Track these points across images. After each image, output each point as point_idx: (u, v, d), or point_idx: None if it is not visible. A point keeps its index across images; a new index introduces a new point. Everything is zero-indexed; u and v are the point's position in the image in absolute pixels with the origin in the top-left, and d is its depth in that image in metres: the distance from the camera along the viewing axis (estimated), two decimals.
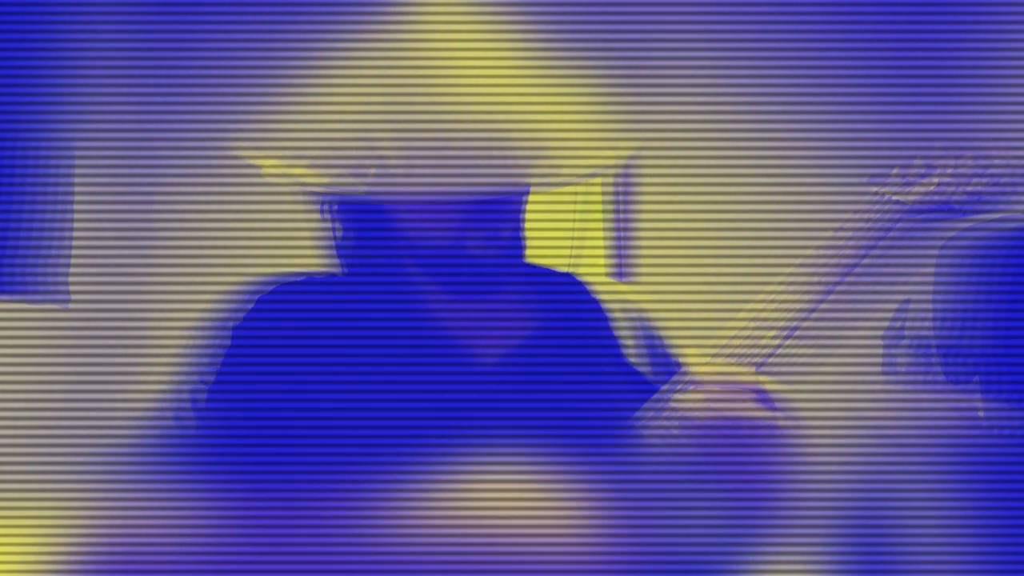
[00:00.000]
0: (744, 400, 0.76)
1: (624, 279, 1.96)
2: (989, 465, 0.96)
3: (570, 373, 0.86)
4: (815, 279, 0.82)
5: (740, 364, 0.80)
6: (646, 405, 0.81)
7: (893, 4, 1.90)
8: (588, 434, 0.81)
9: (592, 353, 0.90)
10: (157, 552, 0.75)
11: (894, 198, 0.85)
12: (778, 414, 0.76)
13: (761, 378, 0.78)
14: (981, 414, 1.04)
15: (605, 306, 0.95)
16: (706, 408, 0.76)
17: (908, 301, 1.13)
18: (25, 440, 1.24)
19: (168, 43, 1.83)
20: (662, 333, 0.96)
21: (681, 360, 0.93)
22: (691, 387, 0.79)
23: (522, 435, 0.77)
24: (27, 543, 0.79)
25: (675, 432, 0.78)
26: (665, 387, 0.81)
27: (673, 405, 0.79)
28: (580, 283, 0.96)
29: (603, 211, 2.01)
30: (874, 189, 0.86)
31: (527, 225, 0.90)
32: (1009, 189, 0.84)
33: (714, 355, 0.81)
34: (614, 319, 0.94)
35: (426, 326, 0.87)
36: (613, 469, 0.78)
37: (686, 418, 0.77)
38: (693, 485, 0.77)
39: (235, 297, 0.87)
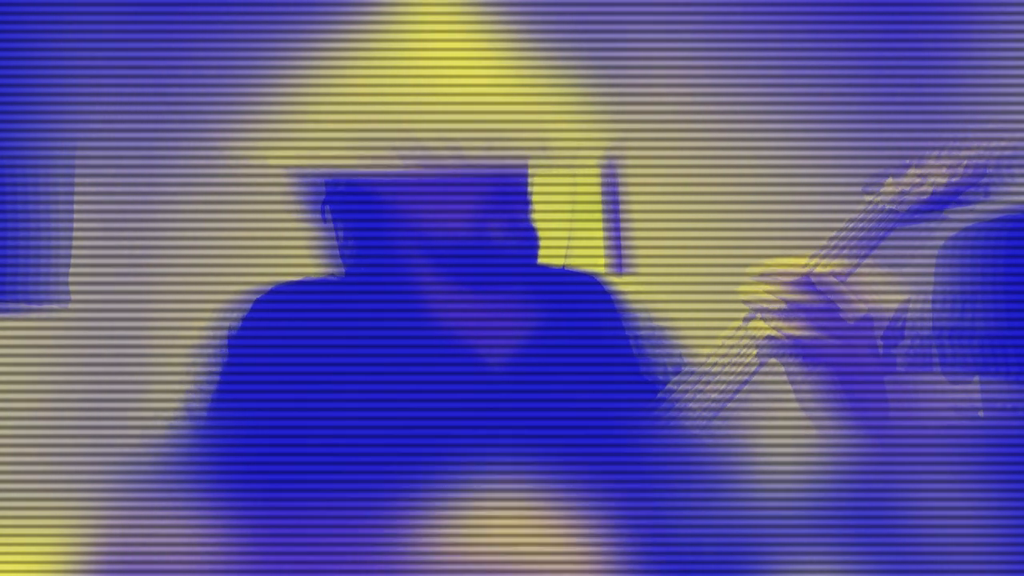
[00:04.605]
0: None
1: (621, 273, 1.96)
2: (993, 461, 0.96)
3: (582, 371, 0.86)
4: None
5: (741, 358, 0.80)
6: (654, 401, 0.81)
7: (882, 2, 1.90)
8: (599, 433, 0.81)
9: (603, 351, 0.90)
10: (161, 554, 0.75)
11: (889, 205, 0.85)
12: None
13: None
14: (981, 414, 1.04)
15: (614, 304, 0.94)
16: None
17: (908, 300, 1.13)
18: (23, 442, 1.24)
19: (168, 43, 1.83)
20: (666, 330, 0.96)
21: (685, 356, 0.93)
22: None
23: (532, 436, 0.77)
24: (33, 545, 0.79)
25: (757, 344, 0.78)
26: (671, 384, 0.81)
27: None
28: (590, 281, 0.96)
29: (600, 207, 2.01)
30: (869, 198, 0.86)
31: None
32: (1003, 177, 0.84)
33: (717, 352, 0.81)
34: (622, 316, 0.94)
35: (433, 325, 0.87)
36: (623, 468, 0.78)
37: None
38: (704, 481, 0.77)
39: (238, 301, 0.87)
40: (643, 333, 0.94)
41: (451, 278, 0.87)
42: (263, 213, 1.40)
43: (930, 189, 0.84)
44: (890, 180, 0.86)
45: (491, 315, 0.88)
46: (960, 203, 0.85)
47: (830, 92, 1.87)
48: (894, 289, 0.90)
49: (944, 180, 0.84)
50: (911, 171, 0.86)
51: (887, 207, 0.85)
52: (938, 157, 0.85)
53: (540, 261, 0.92)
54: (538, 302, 0.91)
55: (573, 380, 0.85)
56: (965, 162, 0.84)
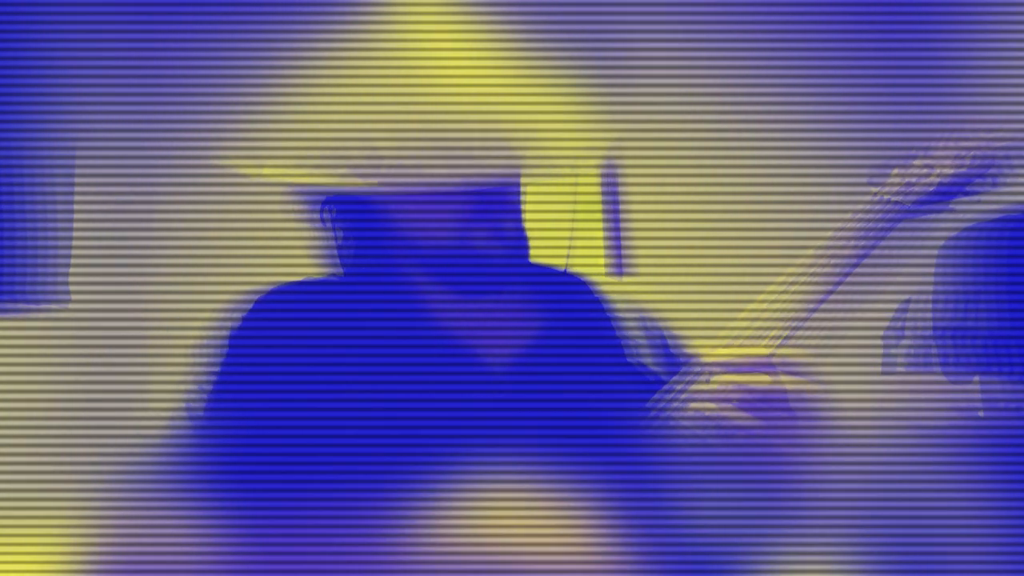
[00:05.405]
0: (763, 375, 0.76)
1: (622, 275, 1.96)
2: (993, 461, 0.96)
3: (580, 373, 0.86)
4: (818, 278, 0.82)
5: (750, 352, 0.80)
6: (654, 399, 0.81)
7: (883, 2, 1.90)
8: (599, 435, 0.81)
9: (601, 352, 0.90)
10: (161, 554, 0.75)
11: (893, 198, 0.84)
12: (802, 382, 0.76)
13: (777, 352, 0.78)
14: (981, 414, 1.05)
15: (611, 305, 0.95)
16: (727, 388, 0.76)
17: (909, 300, 1.13)
18: (23, 442, 1.23)
19: (168, 44, 1.83)
20: (667, 331, 0.96)
21: (686, 356, 0.93)
22: (706, 373, 0.79)
23: (532, 438, 0.78)
24: (33, 544, 0.79)
25: (694, 418, 0.78)
26: (672, 382, 0.81)
27: (686, 397, 0.79)
28: (585, 282, 0.96)
29: (600, 208, 2.01)
30: (874, 190, 0.85)
31: (527, 224, 0.90)
32: (1010, 167, 0.83)
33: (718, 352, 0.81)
34: (620, 318, 0.94)
35: (431, 327, 0.87)
36: (626, 469, 0.78)
37: (708, 403, 0.77)
38: (706, 483, 0.77)
39: (238, 301, 0.87)
40: (641, 333, 0.94)
41: (443, 280, 0.87)
42: (263, 214, 1.40)
43: (937, 180, 0.84)
44: (896, 171, 0.86)
45: (484, 316, 0.89)
46: (967, 193, 0.84)
47: (830, 92, 1.87)
48: (893, 290, 0.90)
49: (951, 170, 0.83)
50: (917, 162, 0.85)
51: (893, 199, 0.84)
52: (945, 147, 0.85)
53: (538, 262, 0.92)
54: (529, 303, 0.92)
55: (567, 380, 0.85)
56: (972, 152, 0.83)
